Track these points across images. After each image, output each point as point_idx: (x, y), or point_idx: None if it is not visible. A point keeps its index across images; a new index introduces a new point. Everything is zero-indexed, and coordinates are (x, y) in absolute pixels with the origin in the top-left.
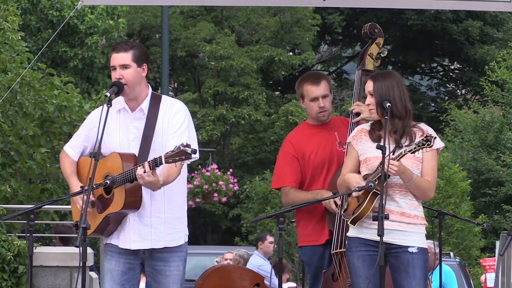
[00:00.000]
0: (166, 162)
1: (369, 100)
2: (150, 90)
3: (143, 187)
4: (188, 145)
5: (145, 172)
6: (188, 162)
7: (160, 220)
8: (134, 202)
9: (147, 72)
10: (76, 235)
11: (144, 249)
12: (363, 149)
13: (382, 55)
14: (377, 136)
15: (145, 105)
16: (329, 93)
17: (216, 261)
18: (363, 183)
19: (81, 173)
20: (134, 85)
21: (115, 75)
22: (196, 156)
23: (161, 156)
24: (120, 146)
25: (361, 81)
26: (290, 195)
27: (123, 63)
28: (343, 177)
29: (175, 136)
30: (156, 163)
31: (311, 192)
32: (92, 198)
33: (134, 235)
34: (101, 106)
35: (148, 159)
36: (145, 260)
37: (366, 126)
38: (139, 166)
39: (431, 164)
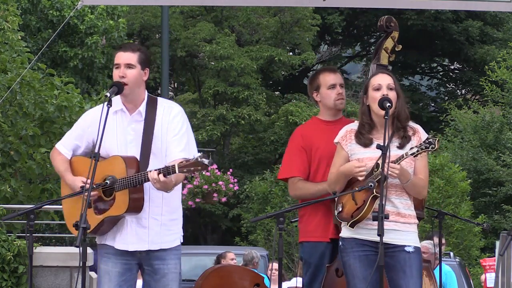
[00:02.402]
0: (180, 171)
1: (391, 93)
2: (147, 93)
3: (145, 192)
4: (205, 156)
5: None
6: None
7: (157, 222)
8: (136, 207)
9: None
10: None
11: (140, 250)
12: (354, 149)
13: (397, 49)
14: (367, 139)
15: (142, 107)
16: (344, 85)
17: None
18: (362, 165)
19: (74, 173)
20: (135, 86)
21: (118, 73)
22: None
23: (174, 165)
24: (118, 148)
25: None
26: (300, 186)
27: (129, 62)
28: (336, 173)
29: (175, 140)
30: (168, 171)
31: (321, 183)
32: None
33: (131, 236)
34: (98, 106)
35: (149, 163)
36: (143, 260)
37: (354, 127)
38: (151, 171)
39: (423, 163)
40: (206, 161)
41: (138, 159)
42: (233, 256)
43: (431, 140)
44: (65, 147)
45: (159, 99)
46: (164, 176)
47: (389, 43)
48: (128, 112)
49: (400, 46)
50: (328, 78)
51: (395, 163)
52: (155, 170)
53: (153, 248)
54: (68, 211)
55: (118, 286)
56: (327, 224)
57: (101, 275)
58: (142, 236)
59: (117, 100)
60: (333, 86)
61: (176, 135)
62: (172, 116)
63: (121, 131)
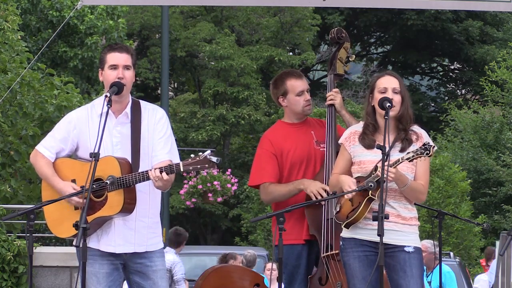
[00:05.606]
0: (186, 169)
1: (396, 97)
2: (130, 96)
3: (137, 192)
4: (213, 154)
5: (161, 172)
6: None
7: (144, 225)
8: (130, 208)
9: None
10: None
11: (126, 253)
12: (356, 151)
13: (350, 59)
14: (371, 140)
15: (128, 109)
16: (309, 89)
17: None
18: (354, 187)
19: (60, 175)
20: (129, 88)
21: (117, 74)
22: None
23: (178, 163)
24: (104, 150)
25: (334, 85)
26: (271, 189)
27: (127, 64)
28: (336, 176)
29: (161, 142)
30: (172, 170)
31: (292, 183)
32: (79, 200)
33: (119, 238)
34: (80, 108)
35: (140, 165)
36: (128, 260)
37: (358, 128)
38: (150, 170)
39: (424, 167)
40: (214, 158)
41: (130, 161)
42: (241, 259)
43: (426, 146)
44: (49, 150)
45: (142, 102)
46: (167, 174)
47: (342, 54)
48: (114, 114)
49: (354, 56)
50: (296, 85)
51: (391, 167)
52: (158, 168)
53: (138, 251)
54: (52, 215)
55: (107, 287)
56: (300, 227)
57: (87, 277)
58: (128, 238)
59: (102, 102)
60: (301, 93)
61: (162, 137)
62: (157, 118)
63: (106, 133)
